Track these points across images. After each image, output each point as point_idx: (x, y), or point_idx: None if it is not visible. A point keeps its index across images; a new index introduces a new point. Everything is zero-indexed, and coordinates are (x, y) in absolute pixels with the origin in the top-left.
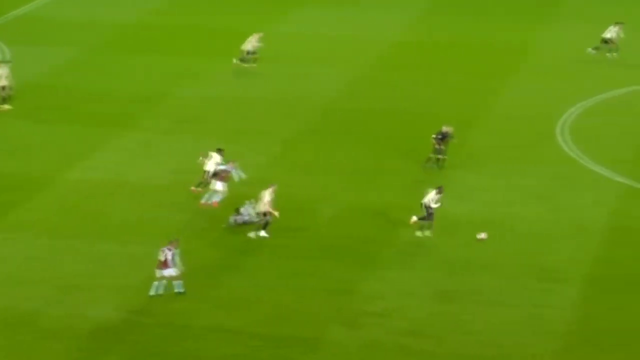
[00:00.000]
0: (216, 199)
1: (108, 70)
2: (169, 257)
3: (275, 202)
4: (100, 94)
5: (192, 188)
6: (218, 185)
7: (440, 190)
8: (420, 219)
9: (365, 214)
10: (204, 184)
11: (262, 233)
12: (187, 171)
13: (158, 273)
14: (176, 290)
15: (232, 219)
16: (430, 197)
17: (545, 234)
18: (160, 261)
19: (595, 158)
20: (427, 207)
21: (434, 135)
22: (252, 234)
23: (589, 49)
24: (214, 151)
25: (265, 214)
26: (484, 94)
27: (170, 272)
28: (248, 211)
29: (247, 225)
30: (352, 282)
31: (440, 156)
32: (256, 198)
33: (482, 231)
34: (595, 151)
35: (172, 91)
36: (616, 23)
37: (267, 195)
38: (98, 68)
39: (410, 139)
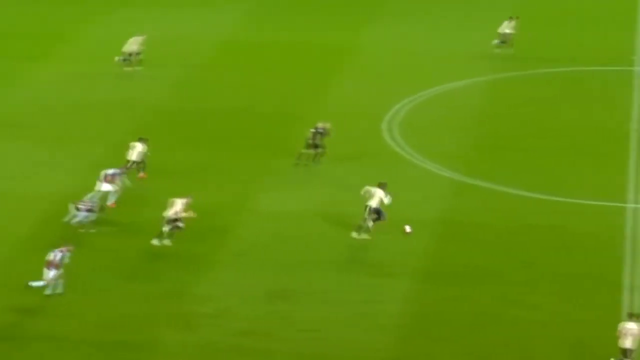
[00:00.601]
0: (112, 199)
1: None
2: (58, 258)
3: (188, 212)
4: None
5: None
6: (104, 187)
7: (383, 186)
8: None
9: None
10: (141, 170)
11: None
12: (8, 178)
13: (46, 273)
14: (41, 290)
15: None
16: (380, 197)
17: (375, 230)
18: (48, 260)
19: (424, 153)
20: (376, 209)
21: (312, 130)
22: (162, 242)
23: (495, 41)
24: (136, 141)
25: (175, 220)
26: (312, 93)
27: (55, 273)
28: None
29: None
30: (184, 285)
31: (316, 150)
32: (167, 204)
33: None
34: (424, 147)
35: None
36: (511, 18)
37: (179, 204)
38: None
39: (240, 138)
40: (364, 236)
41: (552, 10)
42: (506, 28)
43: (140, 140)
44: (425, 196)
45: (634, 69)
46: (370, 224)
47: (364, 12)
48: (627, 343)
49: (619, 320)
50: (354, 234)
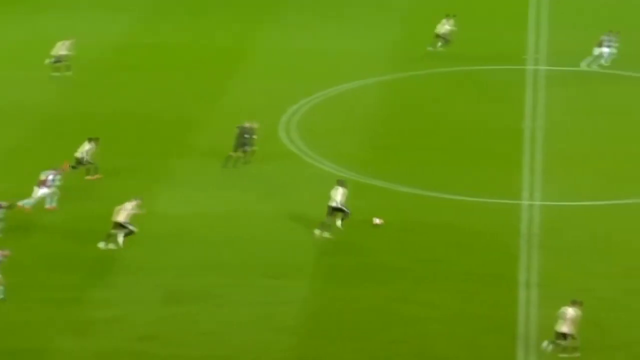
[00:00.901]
0: (52, 202)
1: None
2: None
3: (138, 216)
4: None
5: (87, 177)
6: (43, 191)
7: (343, 183)
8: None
9: (92, 220)
10: (94, 171)
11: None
12: None
13: None
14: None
15: None
16: (343, 196)
17: (271, 231)
18: None
19: (321, 154)
20: (341, 207)
21: (245, 135)
22: (109, 245)
23: (429, 47)
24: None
25: (122, 225)
26: (209, 94)
27: None
28: None
29: None
30: (81, 290)
31: (244, 150)
32: (116, 208)
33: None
34: (321, 147)
35: None
36: (447, 17)
37: (129, 207)
38: None
39: (136, 140)
40: (327, 235)
41: (446, 10)
42: (447, 27)
43: (89, 140)
44: (323, 196)
45: (525, 67)
46: (339, 222)
47: (259, 13)
48: (564, 327)
49: (516, 317)
50: (317, 232)
